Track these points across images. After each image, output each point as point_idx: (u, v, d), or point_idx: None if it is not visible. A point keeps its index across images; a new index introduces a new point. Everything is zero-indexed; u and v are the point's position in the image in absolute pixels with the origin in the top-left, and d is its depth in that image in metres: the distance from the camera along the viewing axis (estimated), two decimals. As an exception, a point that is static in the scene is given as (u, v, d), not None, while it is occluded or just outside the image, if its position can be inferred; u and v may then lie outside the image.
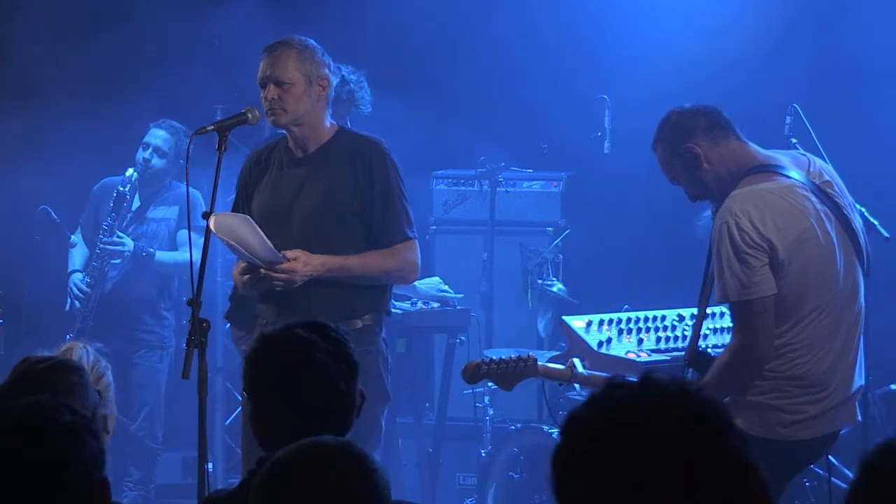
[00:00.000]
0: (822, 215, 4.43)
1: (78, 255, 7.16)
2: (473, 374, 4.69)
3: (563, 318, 5.69)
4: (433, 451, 6.77)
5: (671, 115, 4.54)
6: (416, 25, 7.75)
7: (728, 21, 7.47)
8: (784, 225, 4.31)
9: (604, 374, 4.85)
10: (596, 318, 5.42)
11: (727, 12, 7.49)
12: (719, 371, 4.38)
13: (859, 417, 4.68)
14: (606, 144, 7.19)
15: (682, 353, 4.73)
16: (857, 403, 4.58)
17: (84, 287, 7.01)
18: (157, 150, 7.11)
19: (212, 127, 4.66)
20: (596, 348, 5.33)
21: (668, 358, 4.98)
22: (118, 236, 6.97)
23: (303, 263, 4.85)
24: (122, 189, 6.99)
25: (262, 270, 4.83)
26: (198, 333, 4.25)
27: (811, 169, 4.53)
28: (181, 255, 7.03)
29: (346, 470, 2.24)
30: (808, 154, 4.69)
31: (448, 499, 6.86)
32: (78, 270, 7.11)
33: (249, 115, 4.75)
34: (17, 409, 2.44)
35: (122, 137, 7.32)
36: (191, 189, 7.13)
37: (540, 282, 6.83)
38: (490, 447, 6.52)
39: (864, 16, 7.37)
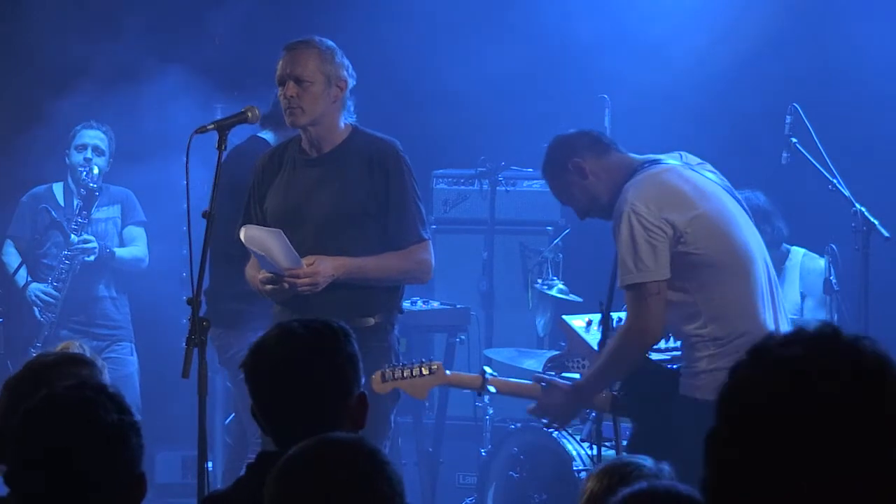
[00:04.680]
0: (713, 186, 4.72)
1: (20, 267, 7.17)
2: (380, 386, 4.78)
3: (563, 317, 5.69)
4: (433, 451, 6.77)
5: (556, 139, 4.91)
6: (416, 24, 7.75)
7: (728, 21, 7.47)
8: (678, 201, 4.56)
9: (516, 381, 4.90)
10: (596, 317, 5.41)
11: (727, 12, 7.49)
12: (611, 354, 4.64)
13: None
14: (606, 144, 7.18)
15: (681, 352, 4.75)
16: None
17: (53, 292, 7.04)
18: (95, 149, 7.16)
19: (212, 126, 4.65)
20: (596, 348, 5.33)
21: (668, 357, 4.98)
22: (86, 235, 7.02)
23: (321, 267, 4.87)
24: (93, 186, 7.01)
25: (286, 281, 4.86)
26: (197, 333, 4.25)
27: (685, 159, 4.84)
28: (136, 251, 7.22)
29: (359, 465, 2.26)
30: (681, 152, 4.92)
31: (448, 498, 6.86)
32: (33, 281, 7.13)
33: (249, 114, 4.74)
34: (67, 400, 2.54)
35: (122, 136, 7.32)
36: (124, 189, 7.24)
37: (540, 281, 6.82)
38: (490, 446, 6.51)
39: (865, 15, 7.36)
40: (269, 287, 4.93)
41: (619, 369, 4.67)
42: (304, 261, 4.87)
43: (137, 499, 2.55)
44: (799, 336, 1.65)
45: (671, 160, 4.76)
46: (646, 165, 4.69)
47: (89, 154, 7.13)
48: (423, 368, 4.80)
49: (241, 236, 4.76)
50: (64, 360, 3.30)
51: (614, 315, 5.28)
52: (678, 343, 4.97)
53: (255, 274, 5.04)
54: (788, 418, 1.59)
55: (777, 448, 1.58)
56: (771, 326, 4.58)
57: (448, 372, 4.87)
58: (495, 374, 4.91)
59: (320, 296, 4.88)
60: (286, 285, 4.87)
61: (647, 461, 2.96)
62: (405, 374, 4.78)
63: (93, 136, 7.17)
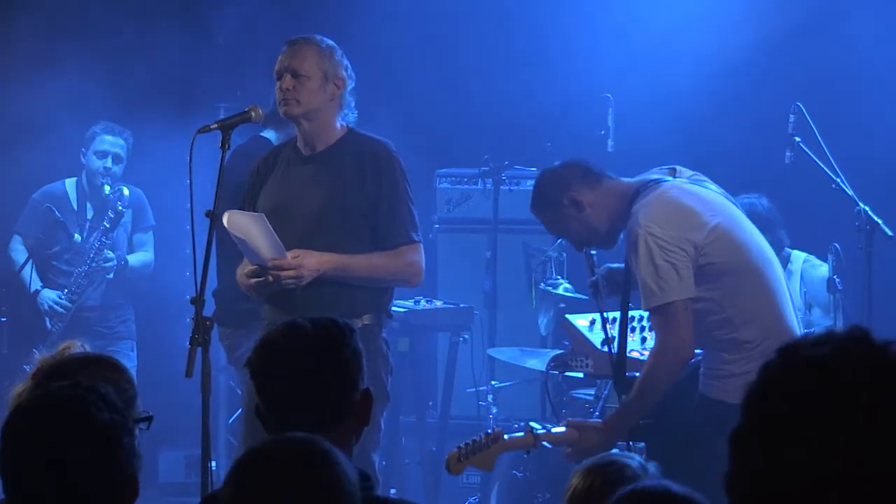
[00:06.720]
0: (715, 196, 4.71)
1: (28, 269, 7.13)
2: (456, 466, 4.69)
3: (567, 316, 5.68)
4: (436, 450, 6.77)
5: (544, 174, 4.89)
6: (419, 24, 7.75)
7: (732, 20, 7.47)
8: (691, 219, 4.54)
9: (558, 431, 4.82)
10: (599, 316, 5.41)
11: (731, 11, 7.49)
12: (645, 379, 4.55)
13: None
14: (610, 143, 7.18)
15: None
16: None
17: (67, 303, 7.04)
18: (115, 157, 7.12)
19: (215, 125, 4.65)
20: (599, 347, 5.33)
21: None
22: (108, 253, 7.02)
23: (307, 261, 4.85)
24: (121, 208, 6.98)
25: (271, 274, 4.84)
26: (201, 332, 4.25)
27: (679, 172, 4.80)
28: (145, 256, 7.26)
29: (308, 462, 2.27)
30: (674, 166, 4.88)
31: (451, 497, 6.86)
32: (44, 287, 7.12)
33: (253, 114, 4.74)
34: (59, 398, 2.53)
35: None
36: (137, 189, 7.23)
37: (545, 281, 6.81)
38: (493, 446, 6.50)
39: (867, 15, 7.36)
40: (253, 281, 4.90)
41: (654, 392, 4.56)
42: (290, 254, 4.86)
43: (130, 499, 2.54)
44: (829, 337, 1.67)
45: (668, 177, 4.72)
46: (650, 185, 4.66)
47: (109, 163, 7.08)
48: (488, 440, 4.73)
49: (225, 221, 4.72)
50: (91, 361, 3.28)
51: (634, 313, 5.29)
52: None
53: (241, 272, 5.02)
54: (817, 417, 1.60)
55: (805, 447, 1.60)
56: (794, 326, 4.60)
57: (506, 437, 4.77)
58: (540, 426, 4.82)
59: (306, 295, 4.86)
60: (270, 278, 4.86)
61: (632, 461, 2.98)
62: (475, 451, 4.73)
63: (113, 144, 7.12)
